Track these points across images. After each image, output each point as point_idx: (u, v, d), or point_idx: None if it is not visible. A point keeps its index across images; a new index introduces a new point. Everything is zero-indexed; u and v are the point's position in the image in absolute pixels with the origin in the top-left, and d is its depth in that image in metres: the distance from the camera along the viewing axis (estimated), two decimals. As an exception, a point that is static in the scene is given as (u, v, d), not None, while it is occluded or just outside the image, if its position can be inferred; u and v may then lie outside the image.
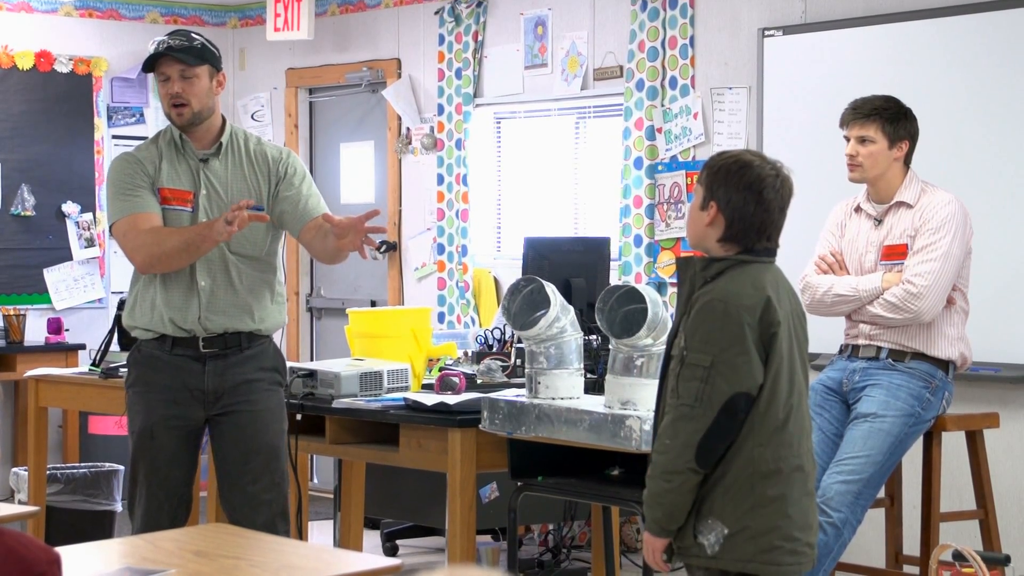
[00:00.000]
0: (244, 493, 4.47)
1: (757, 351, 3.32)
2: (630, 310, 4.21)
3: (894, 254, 4.85)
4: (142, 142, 4.67)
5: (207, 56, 4.50)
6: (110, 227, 4.58)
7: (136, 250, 4.48)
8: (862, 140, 4.86)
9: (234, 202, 4.44)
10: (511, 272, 7.06)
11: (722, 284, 3.37)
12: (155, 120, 8.52)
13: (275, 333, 4.62)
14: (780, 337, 3.34)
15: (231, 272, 4.49)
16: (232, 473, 4.49)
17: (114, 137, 8.45)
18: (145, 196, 4.49)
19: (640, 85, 6.74)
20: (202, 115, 4.50)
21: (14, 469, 6.92)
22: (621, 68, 6.91)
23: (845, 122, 4.91)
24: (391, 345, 5.18)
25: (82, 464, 6.94)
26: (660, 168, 6.76)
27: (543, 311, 4.46)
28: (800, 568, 3.40)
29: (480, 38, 7.50)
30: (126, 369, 4.64)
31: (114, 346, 5.91)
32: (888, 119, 4.84)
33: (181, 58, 4.45)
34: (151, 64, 4.51)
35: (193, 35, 4.55)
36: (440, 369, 5.28)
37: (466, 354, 5.52)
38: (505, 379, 5.18)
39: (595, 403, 4.39)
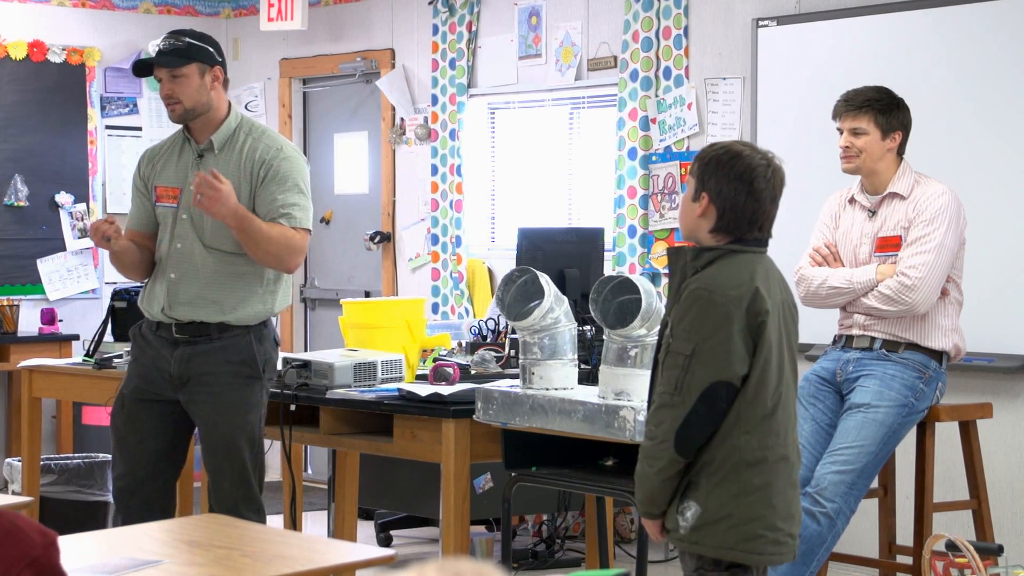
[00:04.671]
0: (210, 479, 4.67)
1: (744, 341, 3.32)
2: (624, 301, 4.21)
3: (888, 246, 4.85)
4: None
5: (194, 54, 4.65)
6: None
7: None
8: (855, 132, 4.86)
9: None
10: (505, 263, 7.06)
11: (710, 273, 3.37)
12: (148, 110, 8.51)
13: (257, 323, 4.67)
14: (769, 326, 3.35)
15: (199, 265, 4.64)
16: (204, 459, 4.69)
17: (107, 127, 8.43)
18: (136, 204, 4.80)
19: (634, 75, 6.73)
20: (196, 111, 4.67)
21: (8, 460, 6.92)
22: (615, 58, 6.90)
23: (838, 114, 4.91)
24: (385, 336, 5.18)
25: (76, 455, 6.94)
26: (654, 158, 6.76)
27: (537, 302, 4.46)
28: (781, 558, 3.41)
29: (474, 28, 7.49)
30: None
31: (108, 337, 5.91)
32: (880, 110, 4.84)
33: (165, 63, 4.63)
34: (142, 70, 4.70)
35: (183, 34, 4.70)
36: (434, 360, 5.29)
37: (460, 345, 5.52)
38: (499, 370, 5.18)
39: (589, 394, 4.40)
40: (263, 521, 4.59)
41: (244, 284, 4.65)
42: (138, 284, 5.01)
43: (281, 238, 4.58)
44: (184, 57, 4.62)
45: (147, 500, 4.69)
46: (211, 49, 4.70)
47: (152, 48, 4.70)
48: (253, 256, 4.59)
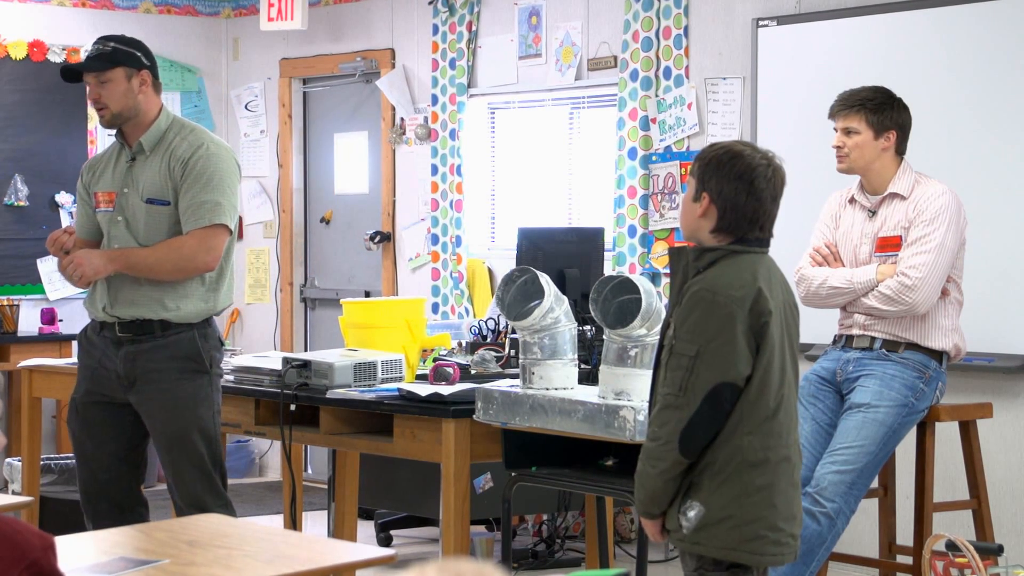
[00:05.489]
0: (170, 474, 4.71)
1: (747, 341, 3.32)
2: (624, 300, 4.21)
3: (888, 246, 4.85)
4: None
5: (119, 59, 4.69)
6: None
7: None
8: (847, 131, 4.87)
9: (144, 196, 4.68)
10: (505, 262, 7.05)
11: (712, 274, 3.37)
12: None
13: (199, 321, 4.72)
14: (771, 327, 3.35)
15: None
16: (160, 458, 4.73)
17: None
18: (80, 213, 4.87)
19: (634, 75, 6.73)
20: (123, 115, 4.72)
21: (8, 459, 6.92)
22: (615, 58, 6.90)
23: (833, 113, 4.92)
24: (385, 335, 5.18)
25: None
26: (654, 158, 6.76)
27: (537, 301, 4.46)
28: (783, 559, 3.41)
29: (474, 28, 7.49)
30: None
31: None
32: (872, 109, 4.84)
33: (90, 67, 4.70)
34: (71, 77, 4.77)
35: (110, 40, 4.74)
36: (434, 360, 5.28)
37: (460, 345, 5.52)
38: (499, 369, 5.18)
39: (589, 393, 4.39)
40: (233, 515, 4.61)
41: (184, 282, 4.69)
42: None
43: (168, 252, 4.64)
44: (109, 62, 4.68)
45: (113, 503, 4.73)
46: (138, 53, 4.73)
47: (86, 53, 4.79)
48: (159, 280, 4.65)
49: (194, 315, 4.70)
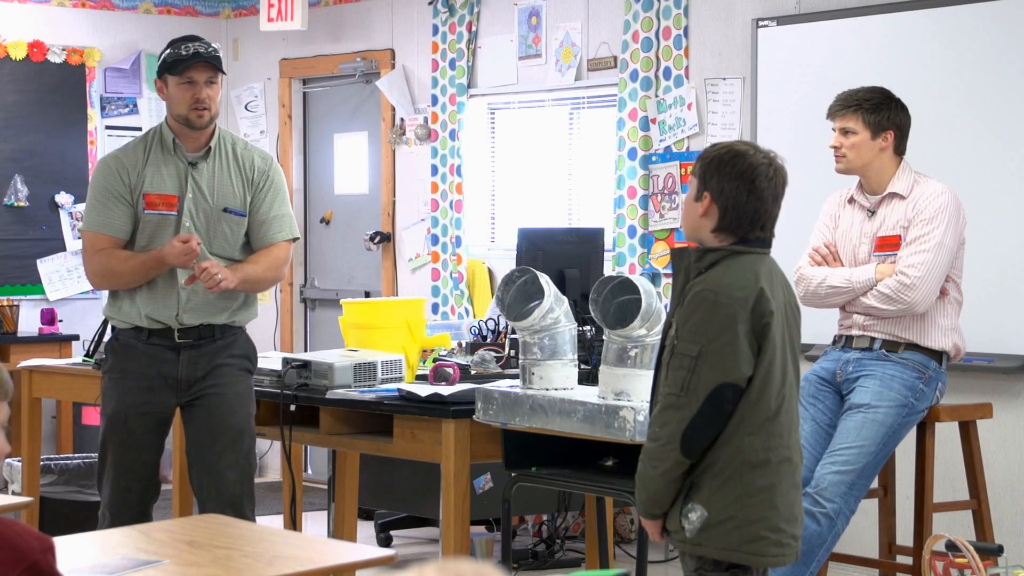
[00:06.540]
0: (210, 471, 4.64)
1: (749, 342, 3.33)
2: (624, 301, 4.21)
3: (887, 245, 4.86)
4: (130, 141, 4.80)
5: (222, 67, 4.71)
6: (81, 229, 4.82)
7: (89, 271, 4.76)
8: (844, 131, 4.88)
9: (219, 205, 4.66)
10: (505, 263, 7.06)
11: (715, 275, 3.37)
12: (148, 111, 8.51)
13: (247, 324, 4.81)
14: (773, 328, 3.35)
15: None
16: (201, 452, 4.67)
17: (107, 127, 8.44)
18: (115, 211, 4.65)
19: (634, 75, 6.73)
20: (214, 119, 4.72)
21: (8, 460, 6.92)
22: (615, 58, 6.90)
23: (831, 114, 4.93)
24: (385, 336, 5.19)
25: (76, 455, 6.94)
26: (654, 159, 6.76)
27: (537, 302, 4.46)
28: (784, 560, 3.41)
29: (474, 28, 7.49)
30: (104, 354, 4.83)
31: (107, 337, 5.90)
32: (869, 110, 4.85)
33: (216, 65, 4.65)
34: (181, 66, 4.62)
35: (211, 43, 4.74)
36: (434, 360, 5.29)
37: (460, 345, 5.52)
38: (499, 370, 5.18)
39: (589, 394, 4.40)
40: (254, 519, 4.61)
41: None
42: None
43: (270, 265, 4.71)
44: (221, 68, 4.69)
45: (140, 513, 4.69)
46: None
47: (183, 48, 4.63)
48: (257, 292, 4.76)
49: (246, 319, 4.78)
